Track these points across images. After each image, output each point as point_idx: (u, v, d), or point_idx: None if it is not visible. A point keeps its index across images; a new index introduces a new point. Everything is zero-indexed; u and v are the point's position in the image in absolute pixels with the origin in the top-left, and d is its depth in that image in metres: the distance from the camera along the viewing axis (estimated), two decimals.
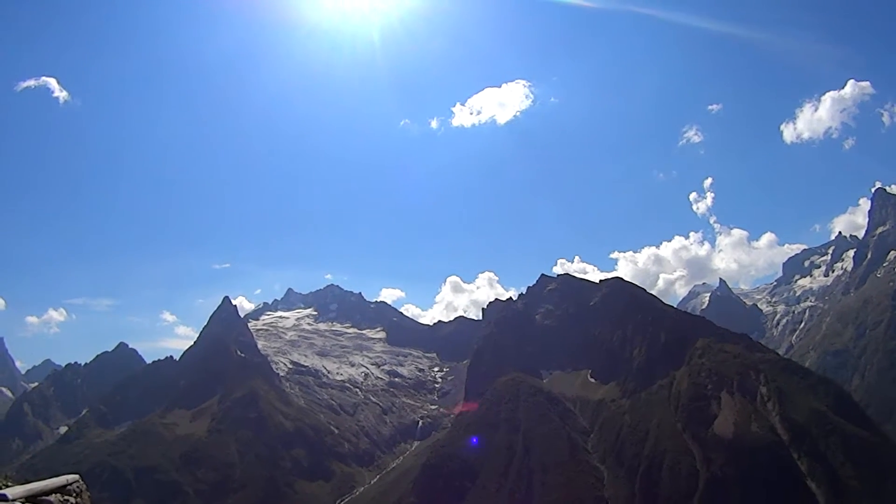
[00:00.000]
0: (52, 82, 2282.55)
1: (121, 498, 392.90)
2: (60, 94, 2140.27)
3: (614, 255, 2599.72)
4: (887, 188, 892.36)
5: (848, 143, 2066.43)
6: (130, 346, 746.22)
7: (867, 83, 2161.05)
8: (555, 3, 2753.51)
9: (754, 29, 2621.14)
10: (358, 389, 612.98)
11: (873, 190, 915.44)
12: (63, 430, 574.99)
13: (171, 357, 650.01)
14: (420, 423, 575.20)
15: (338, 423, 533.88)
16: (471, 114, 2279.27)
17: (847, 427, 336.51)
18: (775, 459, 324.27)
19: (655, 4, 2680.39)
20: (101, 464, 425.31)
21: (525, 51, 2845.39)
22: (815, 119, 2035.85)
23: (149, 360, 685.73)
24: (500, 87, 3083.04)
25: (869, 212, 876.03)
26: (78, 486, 25.29)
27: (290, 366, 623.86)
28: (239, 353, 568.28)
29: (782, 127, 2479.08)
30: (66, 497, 24.01)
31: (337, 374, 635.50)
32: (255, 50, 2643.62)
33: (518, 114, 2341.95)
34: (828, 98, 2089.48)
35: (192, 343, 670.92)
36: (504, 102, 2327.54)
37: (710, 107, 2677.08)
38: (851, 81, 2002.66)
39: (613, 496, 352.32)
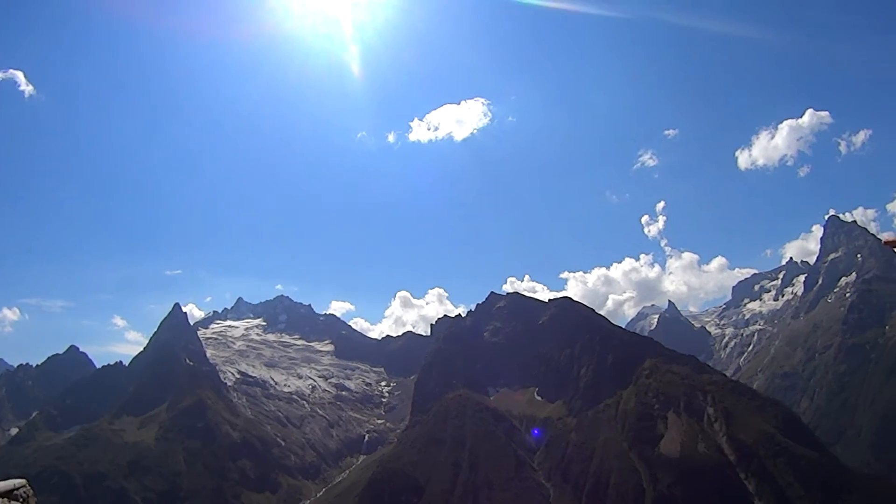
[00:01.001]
0: (20, 75, 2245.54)
1: None
2: (26, 87, 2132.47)
3: (564, 274, 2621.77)
4: (841, 216, 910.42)
5: (803, 171, 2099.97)
6: (81, 349, 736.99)
7: (826, 113, 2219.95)
8: (517, 23, 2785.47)
9: (714, 56, 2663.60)
10: (305, 402, 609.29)
11: (827, 217, 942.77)
12: (14, 431, 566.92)
13: (121, 362, 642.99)
14: (366, 437, 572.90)
15: (284, 435, 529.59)
16: (428, 129, 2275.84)
17: (795, 448, 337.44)
18: (722, 479, 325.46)
19: (616, 30, 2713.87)
20: (50, 468, 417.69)
21: (485, 69, 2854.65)
22: (771, 146, 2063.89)
23: (99, 365, 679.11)
24: (458, 104, 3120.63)
25: (821, 238, 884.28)
26: (25, 492, 23.15)
27: (238, 376, 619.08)
28: (188, 361, 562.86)
29: (737, 153, 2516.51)
30: (12, 502, 21.79)
31: (284, 385, 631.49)
32: (219, 57, 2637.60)
33: (475, 131, 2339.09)
34: (785, 126, 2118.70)
35: (141, 349, 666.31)
36: (462, 119, 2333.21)
37: (666, 132, 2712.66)
38: (810, 111, 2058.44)
39: None
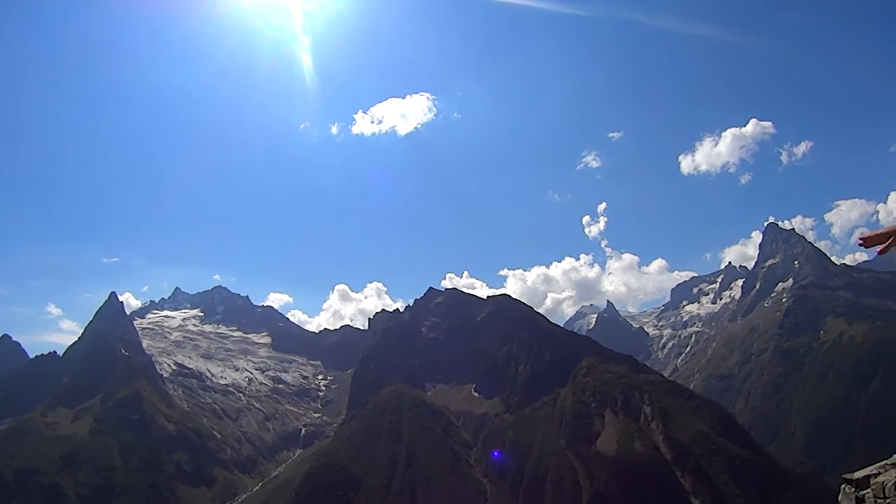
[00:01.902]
0: None
1: (0, 500, 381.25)
2: None
3: (504, 272, 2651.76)
4: (779, 223, 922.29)
5: (745, 178, 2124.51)
6: (14, 338, 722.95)
7: (769, 123, 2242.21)
8: (465, 18, 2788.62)
9: (662, 61, 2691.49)
10: (241, 394, 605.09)
11: (766, 224, 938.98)
12: None
13: (55, 352, 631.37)
14: (303, 430, 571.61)
15: (220, 428, 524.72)
16: (372, 122, 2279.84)
17: (731, 448, 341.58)
18: (659, 478, 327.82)
19: (565, 30, 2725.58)
20: None
21: (432, 64, 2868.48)
22: (714, 153, 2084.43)
23: (32, 355, 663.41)
24: (403, 97, 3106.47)
25: (760, 244, 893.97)
26: None
27: (175, 367, 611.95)
28: (123, 351, 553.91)
29: (681, 158, 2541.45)
30: None
31: (221, 377, 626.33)
32: (157, 42, 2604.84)
33: (419, 126, 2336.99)
34: (729, 134, 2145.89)
35: (76, 338, 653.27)
36: (406, 113, 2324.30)
37: (611, 134, 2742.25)
38: (754, 120, 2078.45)
39: None
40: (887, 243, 14.66)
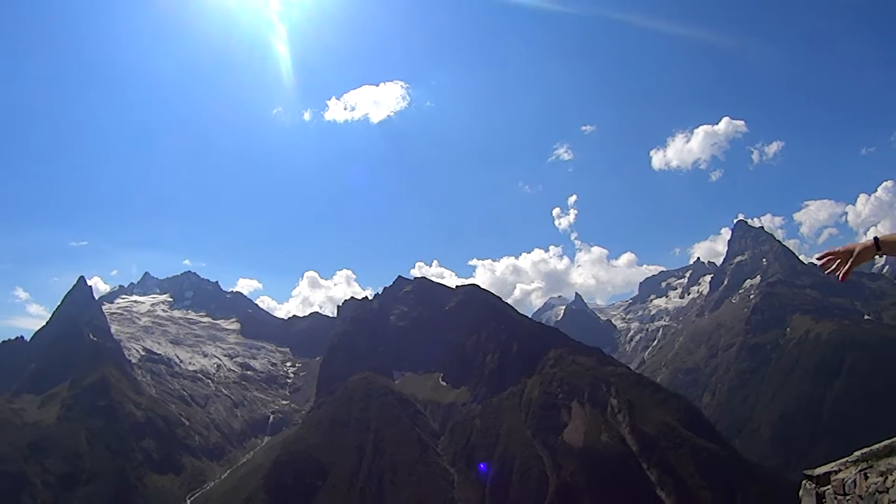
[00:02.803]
0: None
1: None
2: None
3: (473, 262, 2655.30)
4: (749, 221, 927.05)
5: (715, 175, 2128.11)
6: None
7: (742, 122, 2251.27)
8: (441, 8, 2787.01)
9: (637, 56, 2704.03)
10: (210, 381, 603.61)
11: (735, 221, 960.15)
12: None
13: (22, 337, 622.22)
14: (271, 418, 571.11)
15: (189, 414, 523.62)
16: (345, 109, 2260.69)
17: (696, 441, 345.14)
18: (625, 469, 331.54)
19: (541, 23, 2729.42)
20: None
21: (407, 52, 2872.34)
22: (685, 149, 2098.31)
23: None
24: (377, 85, 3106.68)
25: (729, 241, 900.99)
26: None
27: (143, 353, 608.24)
28: (92, 336, 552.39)
29: (652, 153, 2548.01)
30: None
31: (189, 363, 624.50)
32: (130, 21, 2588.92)
33: (392, 114, 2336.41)
34: (701, 131, 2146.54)
35: (44, 323, 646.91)
36: (379, 101, 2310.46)
37: (583, 127, 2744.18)
38: (727, 119, 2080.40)
39: (464, 499, 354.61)
40: (847, 266, 15.49)
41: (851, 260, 15.21)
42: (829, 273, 15.34)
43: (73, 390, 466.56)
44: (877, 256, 15.19)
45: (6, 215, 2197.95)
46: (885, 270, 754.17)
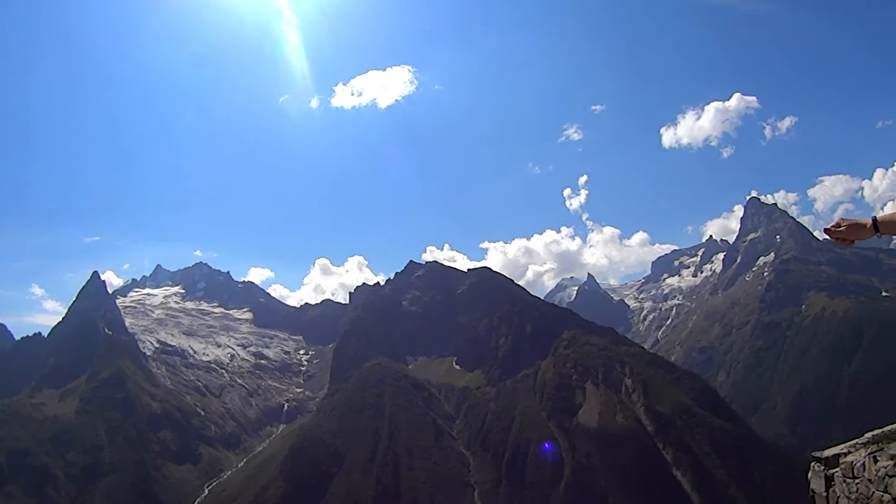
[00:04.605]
0: None
1: None
2: None
3: (484, 244, 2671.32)
4: (761, 197, 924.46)
5: (727, 152, 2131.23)
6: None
7: (753, 98, 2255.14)
8: None
9: (645, 34, 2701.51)
10: (224, 371, 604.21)
11: (748, 198, 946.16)
12: None
13: (40, 333, 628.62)
14: (285, 406, 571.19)
15: (204, 405, 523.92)
16: (352, 95, 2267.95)
17: (712, 420, 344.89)
18: (640, 449, 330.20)
19: (548, 3, 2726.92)
20: None
21: (413, 36, 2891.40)
22: (696, 126, 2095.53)
23: (18, 336, 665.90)
24: (384, 70, 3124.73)
25: (742, 218, 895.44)
26: None
27: (157, 345, 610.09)
28: (107, 330, 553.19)
29: (662, 131, 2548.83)
30: None
31: (203, 354, 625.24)
32: (136, 15, 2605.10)
33: (400, 98, 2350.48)
34: (712, 108, 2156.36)
35: (60, 319, 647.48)
36: (387, 86, 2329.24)
37: (593, 107, 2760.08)
38: (738, 94, 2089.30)
39: (480, 481, 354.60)
40: (840, 237, 14.77)
41: (847, 232, 14.46)
42: (827, 231, 14.60)
43: (91, 384, 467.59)
44: (876, 237, 14.43)
45: (19, 214, 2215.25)
46: None
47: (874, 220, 13.92)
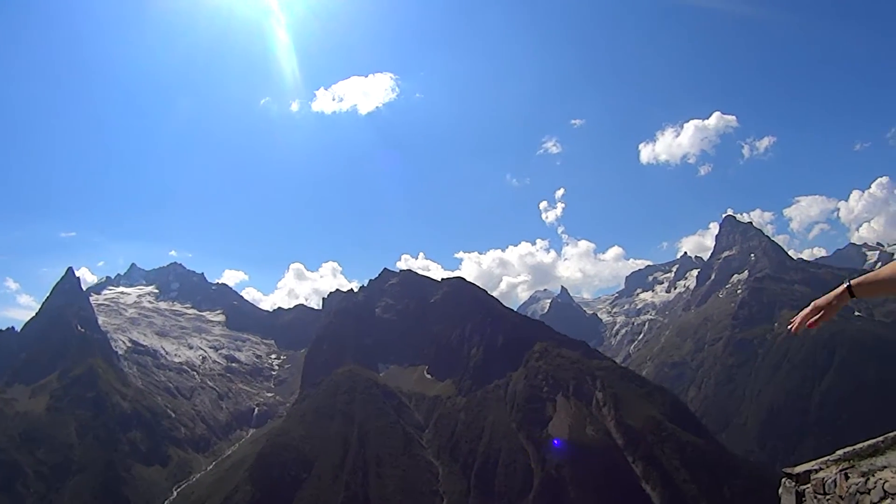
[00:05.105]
0: None
1: None
2: None
3: (459, 254, 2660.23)
4: (737, 216, 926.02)
5: (704, 170, 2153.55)
6: None
7: (733, 117, 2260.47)
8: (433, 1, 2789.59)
9: (627, 50, 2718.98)
10: (195, 373, 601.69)
11: (724, 216, 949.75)
12: None
13: (13, 328, 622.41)
14: (256, 410, 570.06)
15: (175, 406, 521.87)
16: (333, 100, 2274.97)
17: (682, 434, 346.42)
18: (610, 462, 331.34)
19: (531, 15, 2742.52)
20: None
21: (397, 43, 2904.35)
22: (675, 143, 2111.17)
23: None
24: (366, 76, 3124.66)
25: (717, 236, 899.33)
26: None
27: (129, 344, 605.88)
28: (80, 328, 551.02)
29: (641, 147, 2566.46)
30: None
31: (175, 355, 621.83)
32: (117, 10, 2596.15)
33: (381, 105, 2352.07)
34: (691, 125, 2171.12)
35: (34, 314, 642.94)
36: (368, 92, 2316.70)
37: (573, 121, 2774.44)
38: (717, 113, 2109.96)
39: (448, 491, 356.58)
40: (818, 316, 14.41)
41: (825, 311, 14.08)
42: (796, 328, 14.22)
43: (62, 381, 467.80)
44: (850, 303, 14.07)
45: None
46: (877, 266, 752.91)
47: (848, 285, 13.48)
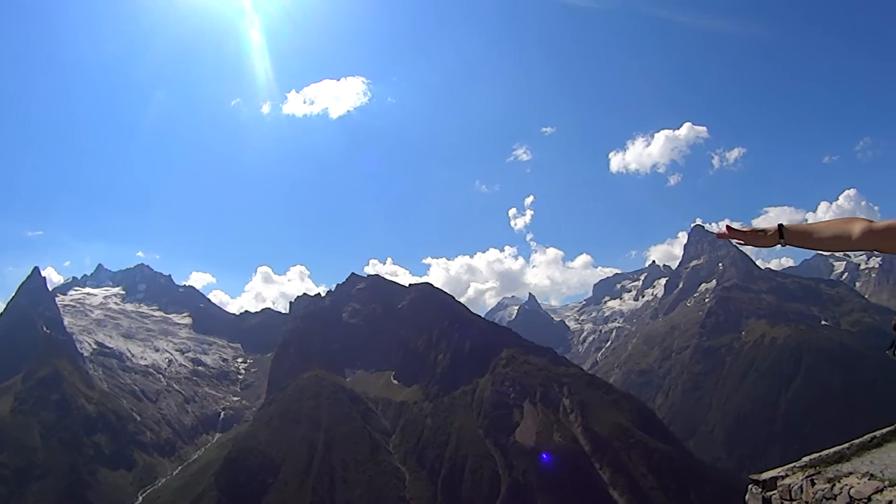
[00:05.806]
0: None
1: None
2: None
3: (427, 260, 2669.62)
4: (706, 225, 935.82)
5: (674, 179, 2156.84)
6: None
7: (704, 128, 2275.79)
8: (406, 5, 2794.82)
9: (599, 59, 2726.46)
10: (161, 376, 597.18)
11: (692, 225, 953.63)
12: None
13: None
14: (222, 414, 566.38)
15: (140, 409, 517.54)
16: (304, 102, 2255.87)
17: (649, 441, 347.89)
18: (577, 469, 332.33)
19: (504, 22, 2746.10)
20: None
21: (370, 47, 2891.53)
22: (645, 153, 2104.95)
23: None
24: (338, 80, 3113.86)
25: (685, 245, 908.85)
26: None
27: (95, 346, 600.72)
28: (45, 329, 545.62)
29: (611, 156, 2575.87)
30: None
31: (141, 358, 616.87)
32: (92, 9, 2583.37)
33: (352, 109, 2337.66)
34: (662, 136, 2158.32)
35: None
36: (340, 96, 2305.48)
37: (544, 128, 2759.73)
38: (688, 124, 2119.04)
39: (415, 497, 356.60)
40: (740, 239, 13.99)
41: (748, 236, 13.57)
42: (720, 236, 13.78)
43: (27, 383, 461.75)
44: (779, 245, 13.43)
45: None
46: (843, 277, 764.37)
47: (780, 226, 12.94)
